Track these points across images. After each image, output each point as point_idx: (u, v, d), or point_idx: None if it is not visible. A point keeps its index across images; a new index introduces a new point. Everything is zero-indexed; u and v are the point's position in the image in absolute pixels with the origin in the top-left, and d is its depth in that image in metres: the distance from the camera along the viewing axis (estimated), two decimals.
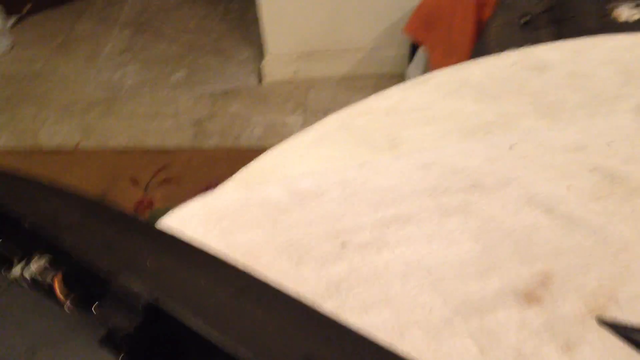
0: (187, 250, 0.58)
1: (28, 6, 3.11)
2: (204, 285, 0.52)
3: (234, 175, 0.74)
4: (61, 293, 0.54)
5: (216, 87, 2.64)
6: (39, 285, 0.54)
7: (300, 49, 2.49)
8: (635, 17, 1.31)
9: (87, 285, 0.54)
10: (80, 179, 2.17)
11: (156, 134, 2.40)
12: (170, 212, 0.69)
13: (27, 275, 0.56)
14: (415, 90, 0.85)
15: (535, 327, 0.57)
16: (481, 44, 1.56)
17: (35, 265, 0.57)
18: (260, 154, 0.77)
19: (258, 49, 2.71)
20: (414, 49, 2.17)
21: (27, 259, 0.57)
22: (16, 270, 0.56)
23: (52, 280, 0.54)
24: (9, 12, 2.99)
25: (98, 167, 2.24)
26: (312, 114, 2.38)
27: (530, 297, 0.59)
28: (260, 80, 2.63)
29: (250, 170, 0.75)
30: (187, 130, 2.40)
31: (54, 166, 2.24)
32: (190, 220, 0.68)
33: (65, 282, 0.54)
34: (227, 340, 0.43)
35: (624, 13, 1.30)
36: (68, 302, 0.52)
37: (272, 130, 2.31)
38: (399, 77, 2.37)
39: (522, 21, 1.47)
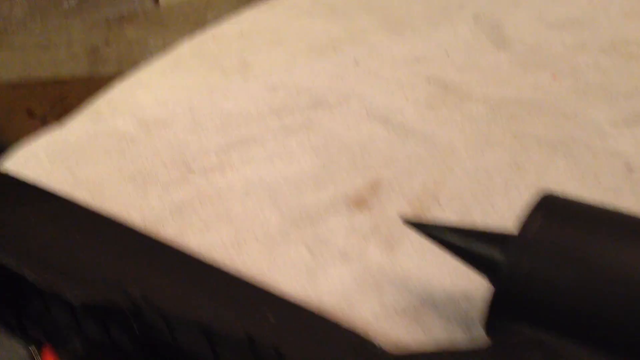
0: (23, 189, 0.59)
1: None
2: (33, 222, 0.54)
3: (82, 108, 0.75)
4: None
5: (111, 12, 2.56)
6: None
7: None
8: None
9: None
10: None
11: (50, 64, 2.33)
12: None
13: None
14: (268, 12, 0.86)
15: (363, 230, 0.61)
16: None
17: None
18: None
19: None
20: None
21: None
22: None
23: None
24: None
25: None
26: None
27: (359, 203, 0.64)
28: (156, 1, 2.56)
29: (100, 102, 0.76)
30: (83, 59, 2.34)
31: None
32: (37, 156, 0.69)
33: None
34: (48, 276, 0.46)
35: None
36: None
37: None
38: None
39: None
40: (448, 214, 0.62)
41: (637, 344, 0.37)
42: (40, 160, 0.68)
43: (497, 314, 0.43)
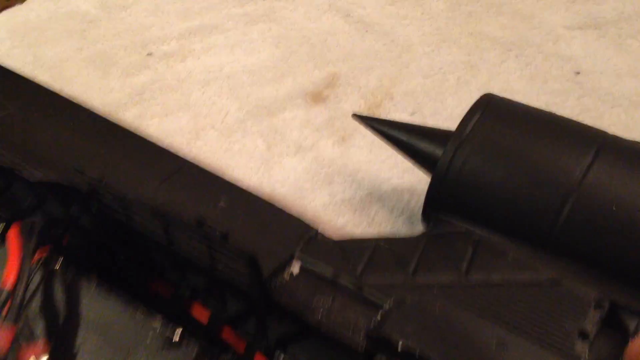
0: None
1: None
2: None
3: None
4: None
5: None
6: None
7: None
8: None
9: None
10: None
11: None
12: None
13: None
14: None
15: (317, 123, 0.64)
16: None
17: None
18: None
19: None
20: None
21: None
22: None
23: None
24: None
25: None
26: None
27: (316, 97, 0.66)
28: None
29: None
30: None
31: None
32: None
33: None
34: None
35: None
36: None
37: None
38: None
39: None
40: (400, 111, 0.65)
41: (553, 235, 0.41)
42: (1, 37, 0.68)
43: (432, 206, 0.46)
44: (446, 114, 0.64)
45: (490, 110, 0.46)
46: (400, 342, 0.38)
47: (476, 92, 0.64)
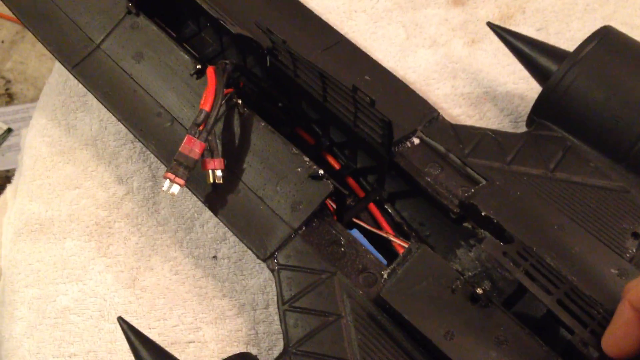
0: None
1: None
2: None
3: None
4: None
5: None
6: None
7: None
8: None
9: None
10: None
11: None
12: None
13: None
14: None
15: (454, 24, 0.73)
16: None
17: None
18: None
19: None
20: None
21: None
22: None
23: None
24: None
25: None
26: None
27: (457, 0, 0.74)
28: None
29: None
30: None
31: None
32: None
33: None
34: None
35: None
36: None
37: None
38: None
39: None
40: (529, 25, 0.73)
41: (631, 153, 0.51)
42: None
43: (537, 111, 0.56)
44: (569, 35, 0.71)
45: (606, 41, 0.54)
46: (483, 212, 0.49)
47: (600, 20, 0.72)
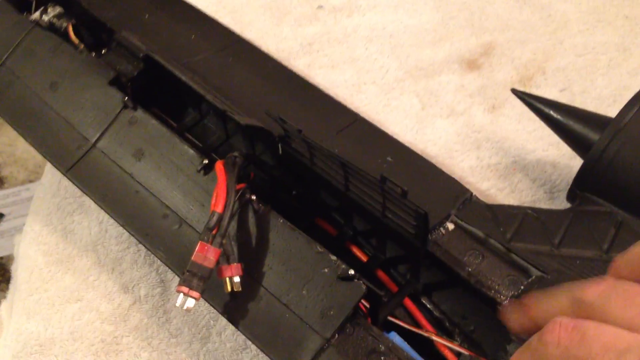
0: (181, 7, 0.67)
1: None
2: (193, 40, 0.63)
3: None
4: (75, 37, 0.64)
5: None
6: (56, 30, 0.64)
7: None
8: None
9: (97, 34, 0.65)
10: None
11: None
12: None
13: (45, 18, 0.66)
14: None
15: (471, 89, 0.68)
16: None
17: (51, 11, 0.67)
18: None
19: None
20: None
21: (44, 8, 0.67)
22: (36, 15, 0.66)
23: (67, 25, 0.65)
24: None
25: None
26: None
27: (472, 64, 0.70)
28: None
29: None
30: None
31: None
32: None
33: (77, 31, 0.64)
34: (208, 90, 0.55)
35: None
36: (82, 46, 0.63)
37: None
38: None
39: None
40: (551, 86, 0.68)
41: None
42: None
43: (580, 185, 0.51)
44: (595, 94, 0.66)
45: None
46: None
47: (626, 75, 0.67)
